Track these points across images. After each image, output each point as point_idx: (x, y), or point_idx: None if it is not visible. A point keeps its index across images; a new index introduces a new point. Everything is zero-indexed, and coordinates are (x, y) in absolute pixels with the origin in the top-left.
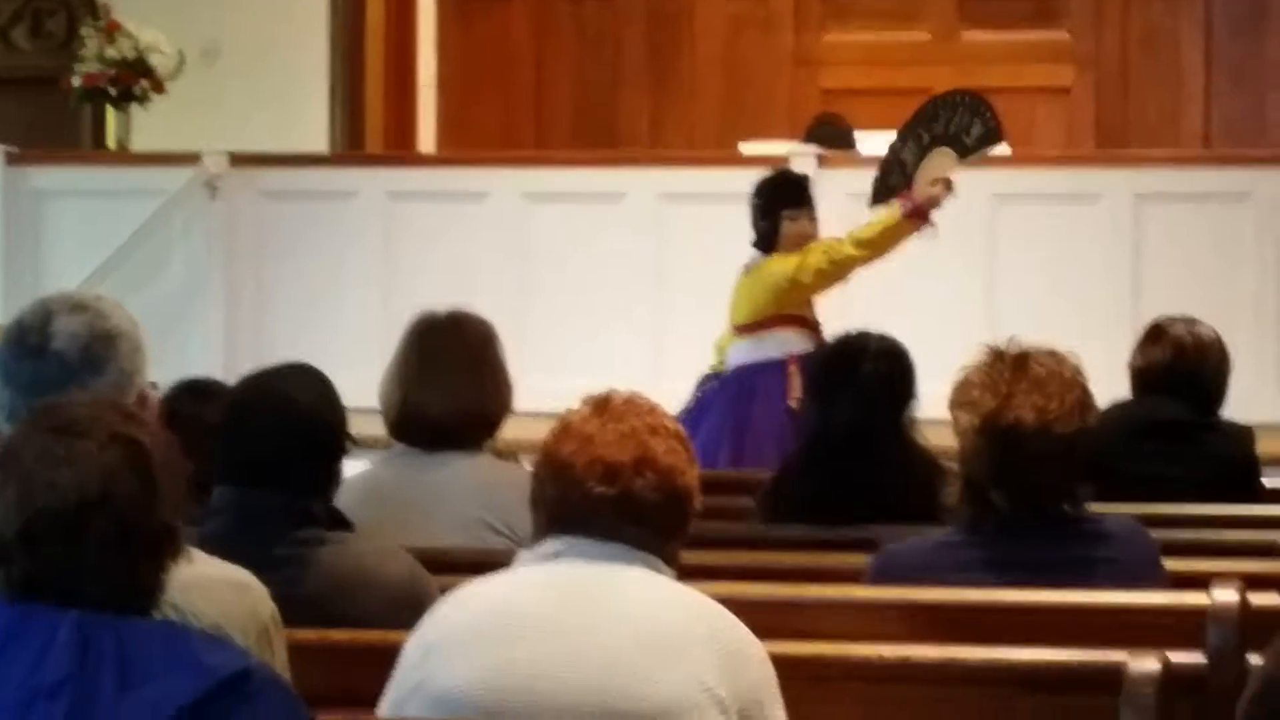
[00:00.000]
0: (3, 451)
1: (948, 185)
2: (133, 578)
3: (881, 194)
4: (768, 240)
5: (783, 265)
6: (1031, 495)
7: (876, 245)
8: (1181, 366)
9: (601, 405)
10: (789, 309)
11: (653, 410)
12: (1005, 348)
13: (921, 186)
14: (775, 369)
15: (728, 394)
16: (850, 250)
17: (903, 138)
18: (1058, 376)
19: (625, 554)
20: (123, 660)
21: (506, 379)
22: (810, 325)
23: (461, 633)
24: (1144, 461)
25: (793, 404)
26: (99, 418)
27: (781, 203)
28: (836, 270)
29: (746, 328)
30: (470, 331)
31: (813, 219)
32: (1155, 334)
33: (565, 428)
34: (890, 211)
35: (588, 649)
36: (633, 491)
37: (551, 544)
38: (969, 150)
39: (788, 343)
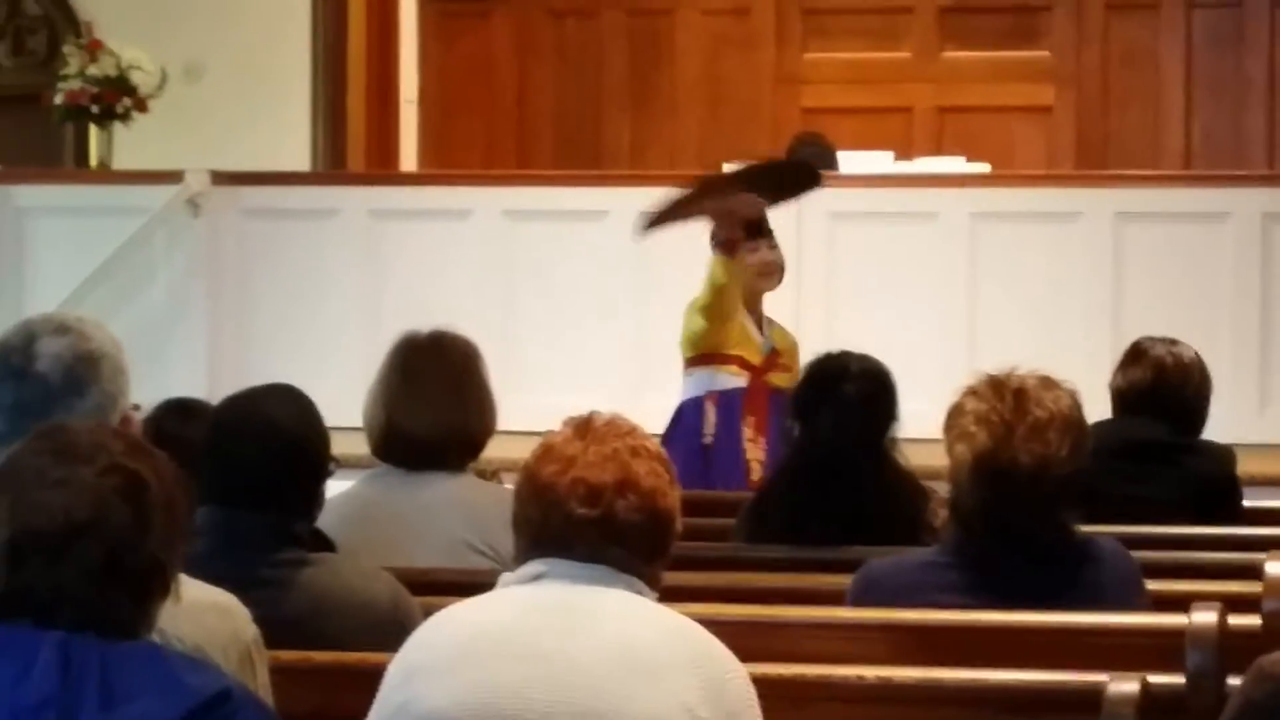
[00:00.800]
0: (3, 468)
1: (731, 214)
2: (114, 607)
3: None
4: None
5: (686, 312)
6: (1019, 528)
7: (717, 283)
8: (1162, 387)
9: (583, 426)
10: (704, 349)
11: (634, 431)
12: (1004, 379)
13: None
14: (694, 406)
15: (667, 428)
16: (708, 297)
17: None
18: (1057, 419)
19: (607, 576)
20: (105, 681)
21: (490, 399)
22: (734, 361)
23: (444, 655)
24: (1125, 482)
25: (706, 440)
26: (103, 445)
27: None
28: (709, 316)
29: (685, 364)
30: (454, 351)
31: (773, 245)
32: (1136, 354)
33: (547, 449)
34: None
35: (569, 671)
36: (615, 513)
37: (534, 566)
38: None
39: (706, 381)
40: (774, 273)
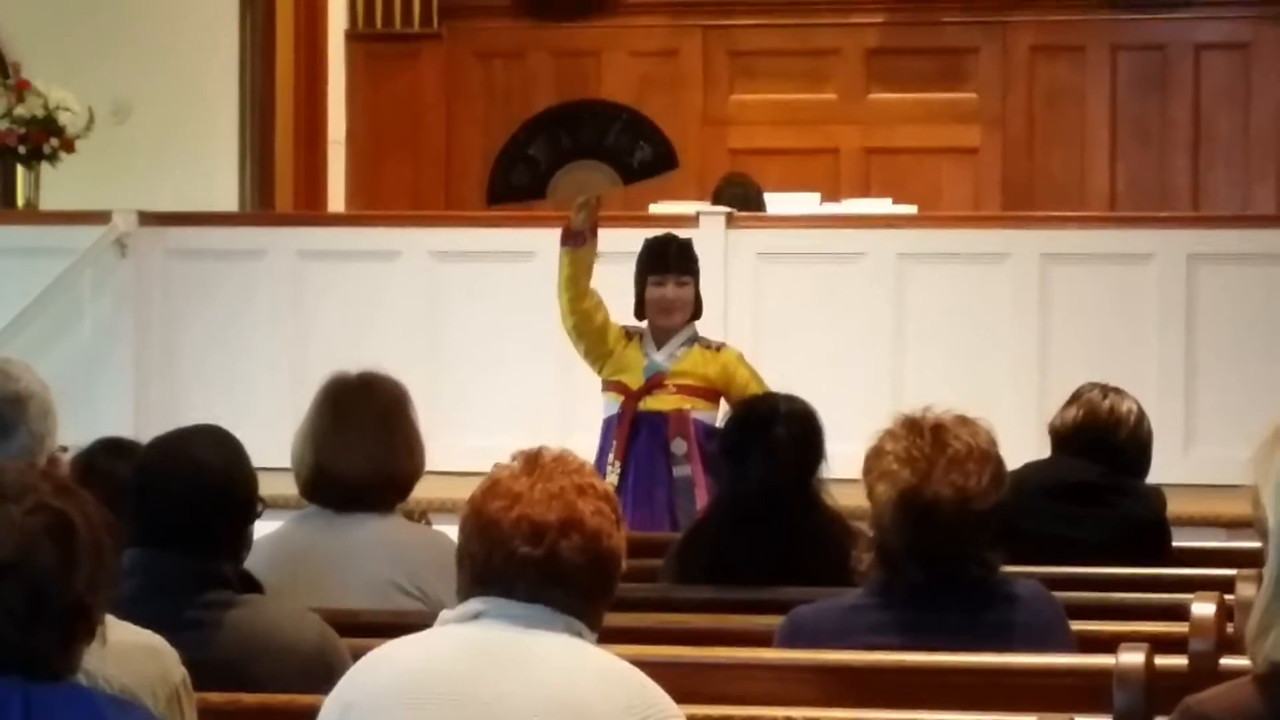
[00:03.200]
0: None
1: (597, 204)
2: (39, 649)
3: (504, 191)
4: (637, 307)
5: None
6: (946, 565)
7: (561, 282)
8: (1093, 428)
9: (532, 461)
10: (602, 376)
11: (582, 468)
12: (920, 418)
13: (571, 208)
14: (601, 432)
15: None
16: (558, 294)
17: (531, 131)
18: (975, 452)
19: (547, 617)
20: None
21: (419, 440)
22: (614, 388)
23: (379, 694)
24: (1055, 522)
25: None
26: (30, 485)
27: (646, 268)
28: (570, 324)
29: None
30: (383, 392)
31: (680, 283)
32: (1074, 397)
33: (494, 484)
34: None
35: (504, 716)
36: (558, 553)
37: (474, 604)
38: (636, 175)
39: (603, 410)
40: (672, 310)
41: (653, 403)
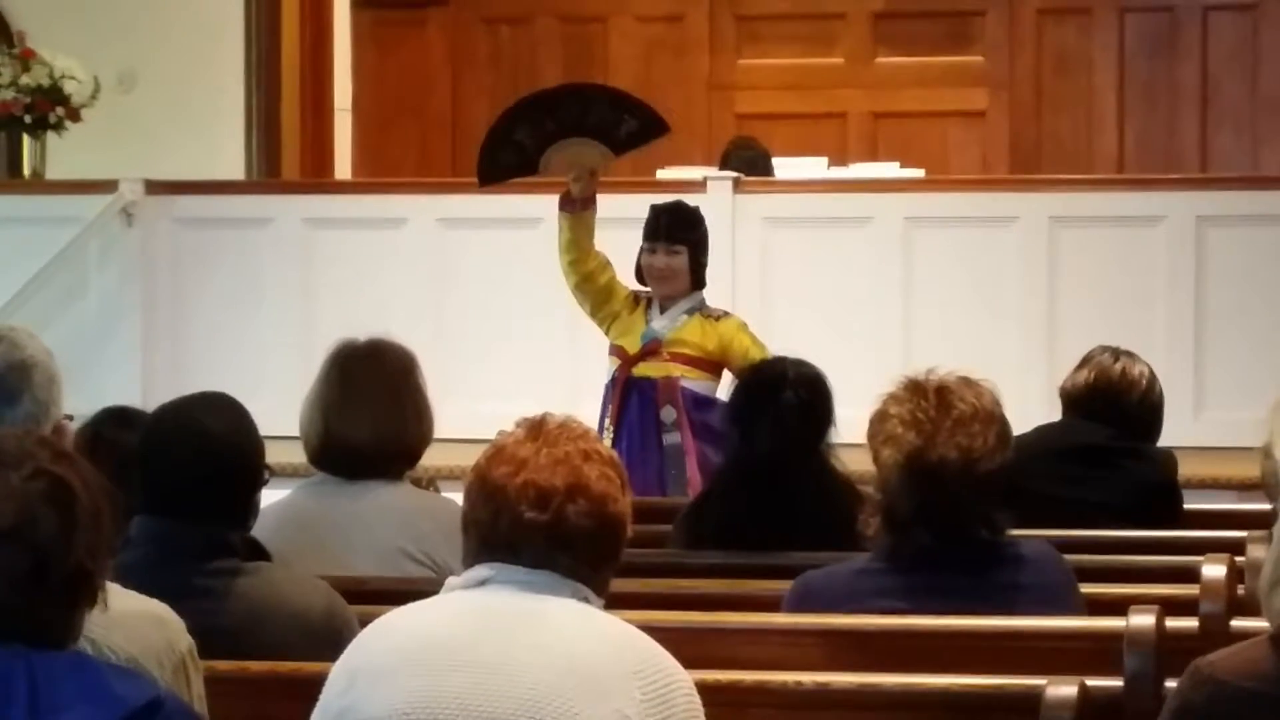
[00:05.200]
0: None
1: (593, 175)
2: (41, 615)
3: (492, 172)
4: (637, 271)
5: None
6: (953, 527)
7: (561, 245)
8: (1105, 391)
9: (536, 428)
10: (610, 338)
11: (586, 434)
12: (924, 380)
13: (568, 177)
14: (603, 396)
15: None
16: (560, 257)
17: (511, 120)
18: (980, 413)
19: (554, 582)
20: (33, 690)
21: (428, 407)
22: (616, 352)
23: (387, 660)
24: (1064, 484)
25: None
26: (29, 451)
27: (643, 234)
28: (571, 283)
29: None
30: (391, 360)
31: (672, 251)
32: (1085, 360)
33: (499, 450)
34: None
35: (512, 681)
36: (565, 518)
37: (480, 570)
38: (625, 146)
39: (609, 371)
40: (664, 278)
41: (645, 369)
